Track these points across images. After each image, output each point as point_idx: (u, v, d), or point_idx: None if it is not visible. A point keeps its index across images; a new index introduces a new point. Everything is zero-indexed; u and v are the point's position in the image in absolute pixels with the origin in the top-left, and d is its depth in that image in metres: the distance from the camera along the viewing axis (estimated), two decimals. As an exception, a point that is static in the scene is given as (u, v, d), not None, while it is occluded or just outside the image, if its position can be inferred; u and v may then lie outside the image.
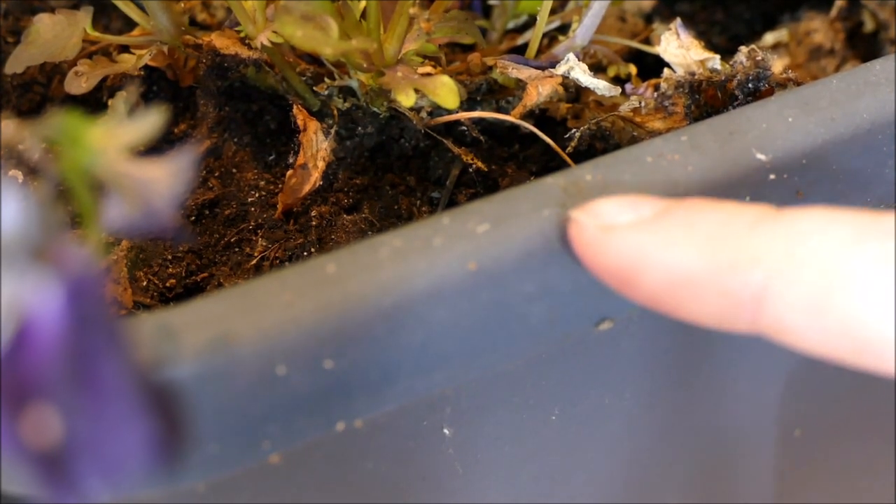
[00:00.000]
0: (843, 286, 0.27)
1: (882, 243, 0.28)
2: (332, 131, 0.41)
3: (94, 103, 0.45)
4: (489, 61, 0.43)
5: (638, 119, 0.42)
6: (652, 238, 0.30)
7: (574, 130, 0.42)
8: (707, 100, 0.41)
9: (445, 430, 0.38)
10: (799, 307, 0.28)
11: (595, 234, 0.31)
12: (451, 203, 0.42)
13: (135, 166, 0.27)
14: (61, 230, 0.25)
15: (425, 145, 0.43)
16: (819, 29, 0.50)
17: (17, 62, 0.42)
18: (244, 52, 0.41)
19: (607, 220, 0.31)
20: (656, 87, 0.42)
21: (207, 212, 0.42)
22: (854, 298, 0.27)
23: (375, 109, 0.42)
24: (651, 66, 0.47)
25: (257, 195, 0.42)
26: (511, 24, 0.47)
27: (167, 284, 0.40)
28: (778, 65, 0.49)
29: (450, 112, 0.41)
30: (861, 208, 0.37)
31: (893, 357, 0.27)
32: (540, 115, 0.44)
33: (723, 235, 0.29)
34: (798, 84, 0.41)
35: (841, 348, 0.28)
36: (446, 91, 0.38)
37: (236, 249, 0.41)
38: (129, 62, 0.43)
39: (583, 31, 0.43)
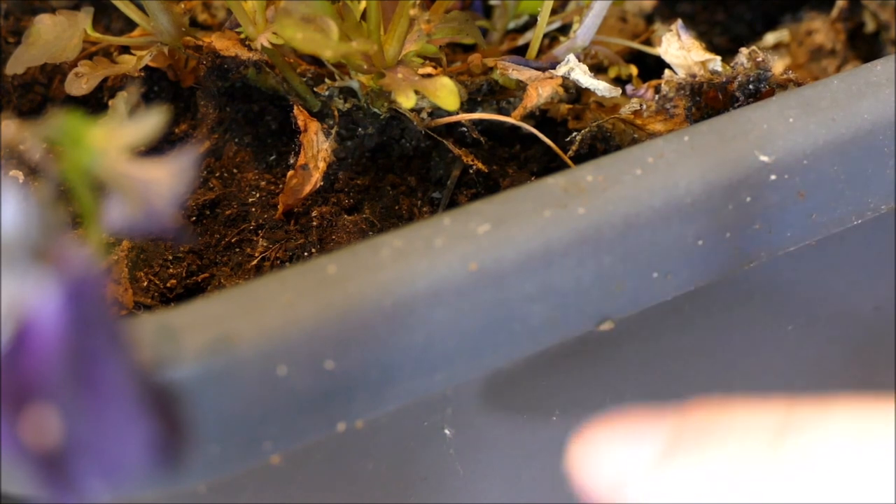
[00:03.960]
0: None
1: None
2: (333, 132, 0.41)
3: (94, 104, 0.45)
4: (490, 62, 0.43)
5: (639, 121, 0.42)
6: (671, 488, 0.28)
7: (575, 133, 0.42)
8: (708, 101, 0.41)
9: (446, 431, 0.38)
10: None
11: (608, 496, 0.29)
12: (452, 203, 0.42)
13: (136, 167, 0.27)
14: (62, 230, 0.25)
15: (426, 146, 0.43)
16: (820, 29, 0.50)
17: (18, 63, 0.42)
18: (244, 54, 0.41)
19: (616, 465, 0.29)
20: (657, 89, 0.42)
21: (208, 212, 0.42)
22: None
23: (376, 110, 0.42)
24: (652, 67, 0.47)
25: (258, 195, 0.42)
26: (512, 25, 0.47)
27: (168, 285, 0.40)
28: (779, 65, 0.49)
29: (450, 113, 0.41)
30: (862, 209, 0.37)
31: None
32: (541, 116, 0.44)
33: (750, 461, 0.27)
34: (799, 85, 0.41)
35: None
36: (446, 93, 0.38)
37: (237, 250, 0.41)
38: (129, 63, 0.43)
39: (584, 31, 0.43)
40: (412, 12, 0.41)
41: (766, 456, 0.27)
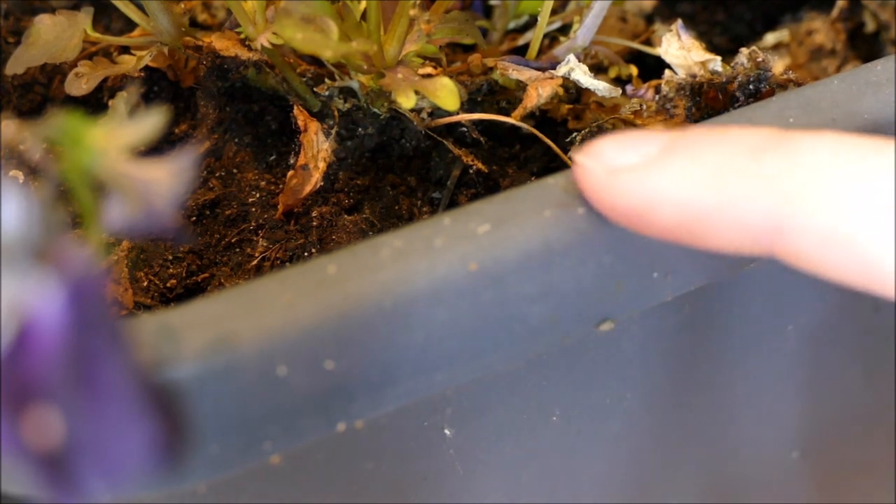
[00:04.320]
0: (855, 220, 0.28)
1: (888, 176, 0.28)
2: (333, 132, 0.41)
3: (94, 104, 0.45)
4: (490, 62, 0.43)
5: (639, 122, 0.42)
6: (660, 177, 0.30)
7: (575, 133, 0.42)
8: (708, 102, 0.41)
9: (446, 431, 0.38)
10: (813, 238, 0.29)
11: (603, 178, 0.31)
12: (452, 204, 0.42)
13: (135, 167, 0.27)
14: (62, 231, 0.25)
15: (426, 146, 0.43)
16: (820, 29, 0.50)
17: (18, 63, 0.42)
18: (244, 54, 0.41)
19: (614, 163, 0.31)
20: (657, 89, 0.42)
21: (208, 212, 0.42)
22: (865, 231, 0.28)
23: (376, 110, 0.42)
24: (652, 67, 0.47)
25: (258, 196, 0.42)
26: (512, 25, 0.47)
27: (168, 285, 0.40)
28: (779, 65, 0.49)
29: (450, 113, 0.41)
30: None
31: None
32: (541, 116, 0.44)
33: (731, 167, 0.30)
34: (799, 85, 0.41)
35: (853, 276, 0.29)
36: (446, 93, 0.38)
37: (237, 250, 0.41)
38: (129, 63, 0.43)
39: (584, 31, 0.43)
40: (412, 12, 0.41)
41: (749, 162, 0.30)
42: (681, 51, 0.41)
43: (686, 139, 0.31)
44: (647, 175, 0.31)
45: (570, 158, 0.33)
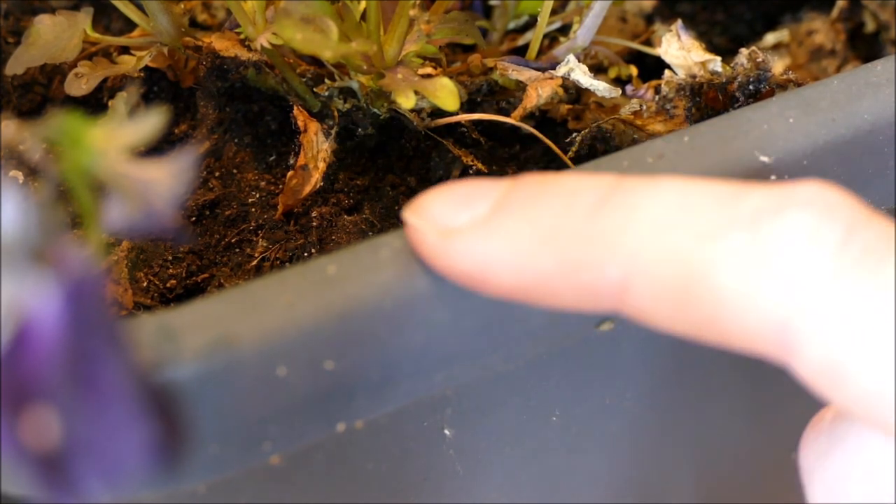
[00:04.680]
0: (702, 281, 0.27)
1: (739, 233, 0.27)
2: (333, 132, 0.41)
3: (94, 104, 0.45)
4: (490, 62, 0.43)
5: (639, 122, 0.42)
6: (493, 241, 0.29)
7: (575, 133, 0.42)
8: (708, 102, 0.41)
9: (446, 431, 0.38)
10: (660, 300, 0.28)
11: (434, 242, 0.30)
12: (452, 204, 0.42)
13: (135, 167, 0.27)
14: (62, 231, 0.25)
15: (426, 146, 0.43)
16: (820, 29, 0.50)
17: (18, 63, 0.42)
18: (244, 54, 0.41)
19: (444, 224, 0.30)
20: (657, 90, 0.42)
21: (208, 212, 0.42)
22: (713, 293, 0.27)
23: (376, 110, 0.42)
24: (652, 67, 0.47)
25: (258, 196, 0.42)
26: (512, 25, 0.47)
27: (168, 285, 0.40)
28: (779, 65, 0.49)
29: (450, 113, 0.41)
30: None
31: (753, 338, 0.28)
32: (541, 116, 0.44)
33: (567, 229, 0.28)
34: (799, 85, 0.41)
35: (703, 332, 0.28)
36: (446, 93, 0.38)
37: (237, 250, 0.41)
38: (129, 63, 0.43)
39: (584, 31, 0.43)
40: (412, 12, 0.41)
41: (584, 220, 0.28)
42: (681, 51, 0.41)
43: (517, 195, 0.29)
44: (479, 238, 0.29)
45: (403, 220, 0.31)
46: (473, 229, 0.29)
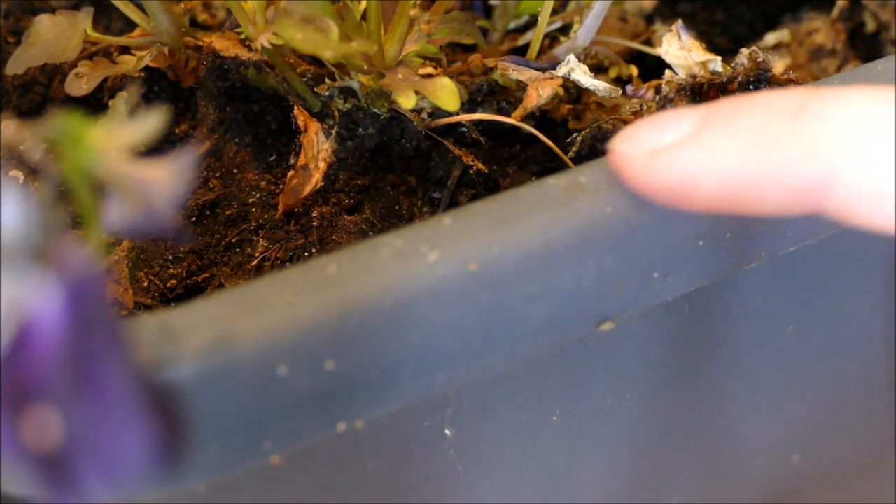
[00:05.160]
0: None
1: None
2: (333, 132, 0.41)
3: (94, 104, 0.45)
4: (490, 62, 0.43)
5: (639, 121, 0.42)
6: (701, 152, 0.31)
7: (575, 133, 0.42)
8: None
9: (446, 431, 0.38)
10: (864, 195, 0.29)
11: (643, 162, 0.32)
12: (452, 204, 0.42)
13: (136, 167, 0.27)
14: (62, 231, 0.25)
15: (426, 146, 0.43)
16: (820, 29, 0.50)
17: (18, 63, 0.42)
18: (244, 54, 0.41)
19: (651, 145, 0.32)
20: (657, 90, 0.42)
21: (208, 212, 0.42)
22: None
23: (376, 110, 0.42)
24: (652, 67, 0.47)
25: (258, 196, 0.42)
26: (512, 25, 0.47)
27: (168, 285, 0.40)
28: (779, 65, 0.49)
29: (450, 113, 0.41)
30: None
31: None
32: (541, 116, 0.44)
33: (768, 132, 0.30)
34: (799, 85, 0.41)
35: None
36: (447, 93, 0.38)
37: (237, 250, 0.41)
38: (129, 63, 0.43)
39: (584, 31, 0.43)
40: (412, 12, 0.41)
41: (786, 126, 0.30)
42: (681, 51, 0.41)
43: (718, 111, 0.31)
44: (687, 152, 0.31)
45: (609, 149, 0.33)
46: (680, 144, 0.31)
